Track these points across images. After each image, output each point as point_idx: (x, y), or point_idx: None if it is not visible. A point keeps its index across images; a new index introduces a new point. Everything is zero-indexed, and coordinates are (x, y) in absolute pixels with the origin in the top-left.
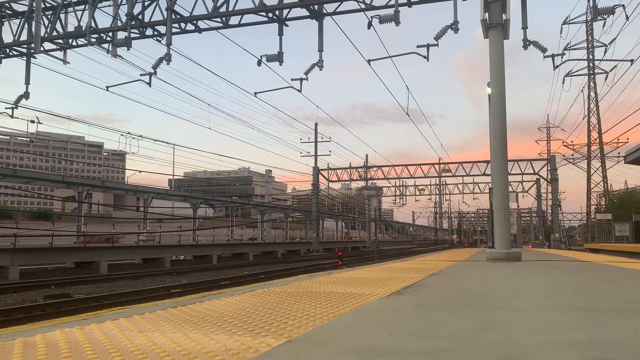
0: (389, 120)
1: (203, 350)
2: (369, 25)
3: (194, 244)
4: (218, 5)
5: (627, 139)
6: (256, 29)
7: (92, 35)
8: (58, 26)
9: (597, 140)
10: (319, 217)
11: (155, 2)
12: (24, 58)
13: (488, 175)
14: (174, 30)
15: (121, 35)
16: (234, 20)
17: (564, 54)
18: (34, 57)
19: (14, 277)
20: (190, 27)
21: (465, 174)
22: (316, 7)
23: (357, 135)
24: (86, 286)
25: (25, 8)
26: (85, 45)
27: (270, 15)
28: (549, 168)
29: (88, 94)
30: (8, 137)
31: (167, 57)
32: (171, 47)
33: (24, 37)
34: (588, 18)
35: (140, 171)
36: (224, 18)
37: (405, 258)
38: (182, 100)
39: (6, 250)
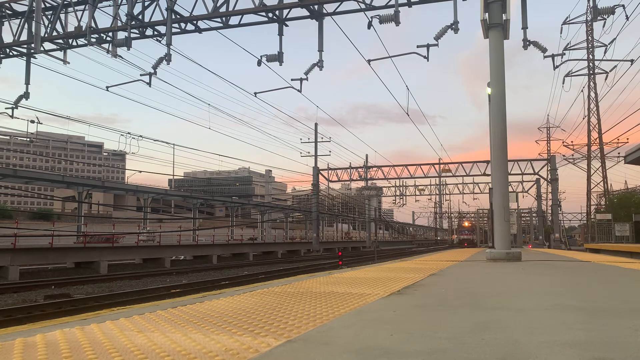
0: (390, 120)
1: (203, 350)
2: (369, 25)
3: (193, 244)
4: (218, 5)
5: (627, 139)
6: (256, 29)
7: (92, 35)
8: (58, 26)
9: (597, 140)
10: (318, 217)
11: (155, 2)
12: (24, 58)
13: (488, 175)
14: (174, 30)
15: (121, 35)
16: (234, 20)
17: (564, 54)
18: (34, 57)
19: (14, 277)
20: (190, 27)
21: (465, 174)
22: (316, 7)
23: (359, 135)
24: (86, 286)
25: (25, 8)
26: (85, 45)
27: (270, 15)
28: (549, 168)
29: (89, 94)
30: (8, 137)
31: (167, 57)
32: (171, 47)
33: (24, 37)
34: (588, 18)
35: (140, 171)
36: (224, 18)
37: (405, 258)
38: (182, 100)
39: (6, 250)
